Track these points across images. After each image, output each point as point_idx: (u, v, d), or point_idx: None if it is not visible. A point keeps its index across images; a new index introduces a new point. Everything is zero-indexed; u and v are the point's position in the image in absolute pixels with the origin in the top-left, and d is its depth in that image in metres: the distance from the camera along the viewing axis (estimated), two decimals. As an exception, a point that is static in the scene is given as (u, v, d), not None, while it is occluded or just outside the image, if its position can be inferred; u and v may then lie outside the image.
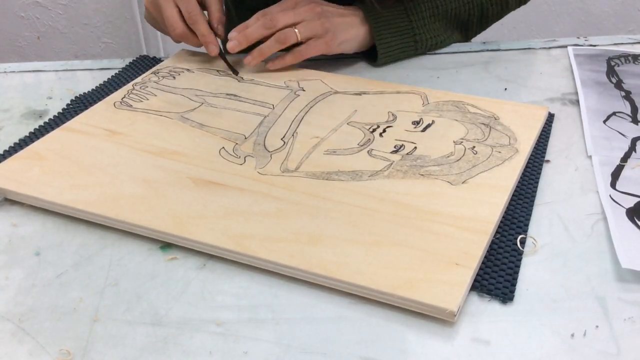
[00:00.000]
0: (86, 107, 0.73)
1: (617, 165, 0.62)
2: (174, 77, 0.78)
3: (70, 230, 0.57)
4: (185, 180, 0.59)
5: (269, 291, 0.50)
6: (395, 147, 0.63)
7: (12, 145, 0.68)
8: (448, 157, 0.61)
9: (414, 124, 0.67)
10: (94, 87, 0.79)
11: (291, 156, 0.62)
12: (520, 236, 0.54)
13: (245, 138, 0.66)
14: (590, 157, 0.64)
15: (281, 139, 0.65)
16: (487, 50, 0.84)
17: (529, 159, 0.63)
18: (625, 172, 0.61)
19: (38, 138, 0.67)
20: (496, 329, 0.46)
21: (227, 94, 0.74)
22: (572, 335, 0.46)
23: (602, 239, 0.54)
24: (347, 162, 0.61)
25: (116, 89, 0.76)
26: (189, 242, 0.53)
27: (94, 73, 0.83)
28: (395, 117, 0.68)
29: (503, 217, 0.55)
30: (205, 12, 0.80)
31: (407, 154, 0.62)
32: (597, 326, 0.46)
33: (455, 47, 0.85)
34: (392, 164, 0.61)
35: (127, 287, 0.51)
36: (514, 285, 0.49)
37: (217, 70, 0.79)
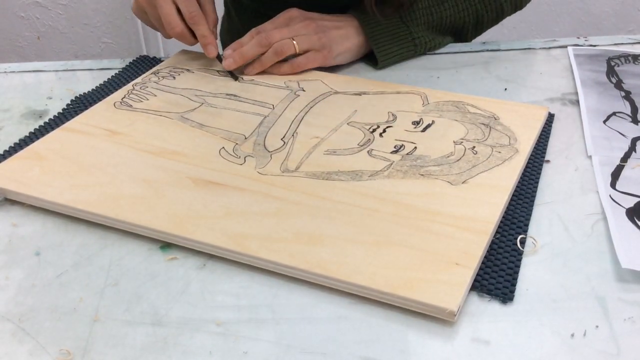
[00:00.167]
0: (86, 107, 0.73)
1: (617, 165, 0.62)
2: (174, 77, 0.78)
3: (70, 230, 0.57)
4: (185, 180, 0.59)
5: (269, 291, 0.50)
6: (395, 147, 0.63)
7: (12, 145, 0.68)
8: (448, 157, 0.61)
9: (414, 124, 0.67)
10: (94, 87, 0.79)
11: (291, 156, 0.63)
12: (520, 236, 0.54)
13: (245, 138, 0.66)
14: (590, 157, 0.64)
15: (281, 139, 0.65)
16: (487, 50, 0.84)
17: (529, 159, 0.63)
18: (625, 172, 0.61)
19: (38, 138, 0.67)
20: (496, 329, 0.46)
21: (227, 94, 0.74)
22: (572, 335, 0.46)
23: (602, 239, 0.54)
24: (347, 162, 0.61)
25: (116, 89, 0.76)
26: (189, 242, 0.53)
27: (94, 73, 0.83)
28: (395, 117, 0.68)
29: (503, 217, 0.55)
30: None
31: (407, 154, 0.62)
32: (597, 326, 0.46)
33: (455, 47, 0.85)
34: (392, 164, 0.61)
35: (127, 287, 0.51)
36: (514, 285, 0.49)
37: (217, 71, 0.79)
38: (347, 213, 0.55)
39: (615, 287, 0.49)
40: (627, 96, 0.73)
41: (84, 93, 0.77)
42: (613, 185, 0.59)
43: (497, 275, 0.50)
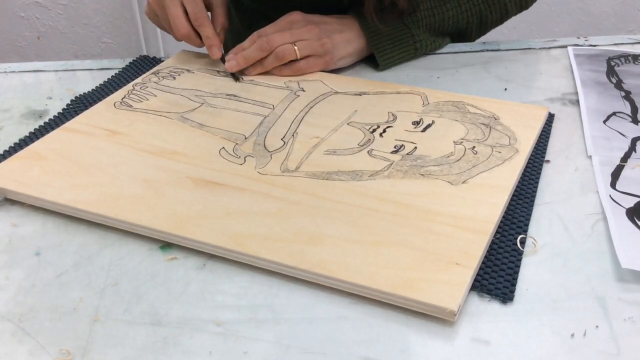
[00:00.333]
0: (86, 107, 0.73)
1: (617, 165, 0.62)
2: (174, 78, 0.78)
3: (70, 230, 0.57)
4: (185, 180, 0.59)
5: (269, 291, 0.50)
6: (395, 147, 0.63)
7: (12, 145, 0.68)
8: (448, 157, 0.62)
9: (414, 124, 0.67)
10: (94, 87, 0.79)
11: (291, 156, 0.63)
12: (520, 236, 0.54)
13: (245, 138, 0.66)
14: (590, 157, 0.64)
15: (281, 139, 0.65)
16: (487, 50, 0.84)
17: (529, 159, 0.63)
18: (625, 172, 0.61)
19: (38, 138, 0.67)
20: (496, 329, 0.46)
21: (227, 94, 0.74)
22: (572, 335, 0.46)
23: (602, 239, 0.54)
24: (347, 162, 0.61)
25: (116, 89, 0.76)
26: (189, 242, 0.53)
27: (94, 73, 0.83)
28: (395, 118, 0.68)
29: (503, 217, 0.55)
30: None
31: (407, 154, 0.62)
32: (597, 326, 0.46)
33: (455, 47, 0.85)
34: (392, 164, 0.61)
35: (127, 287, 0.51)
36: (514, 285, 0.49)
37: (217, 71, 0.79)
38: (347, 213, 0.55)
39: (615, 287, 0.49)
40: (627, 96, 0.73)
41: (84, 93, 0.77)
42: (613, 185, 0.59)
43: (497, 275, 0.50)
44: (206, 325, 0.47)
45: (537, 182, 0.60)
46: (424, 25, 0.80)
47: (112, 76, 0.81)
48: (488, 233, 0.52)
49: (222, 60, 0.79)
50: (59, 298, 0.50)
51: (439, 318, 0.47)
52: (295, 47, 0.76)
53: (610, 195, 0.58)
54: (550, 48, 0.85)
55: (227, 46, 0.81)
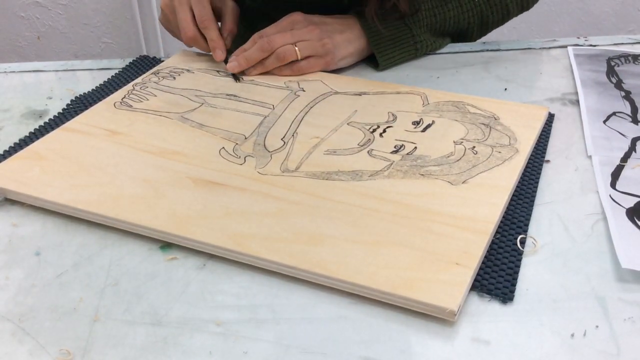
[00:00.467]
0: (86, 107, 0.73)
1: (617, 165, 0.62)
2: (174, 78, 0.78)
3: (70, 230, 0.57)
4: (185, 180, 0.59)
5: (269, 291, 0.50)
6: (395, 147, 0.63)
7: (12, 145, 0.68)
8: (448, 157, 0.62)
9: (414, 124, 0.67)
10: (94, 87, 0.79)
11: (291, 156, 0.63)
12: (520, 236, 0.54)
13: (245, 138, 0.66)
14: (590, 157, 0.64)
15: (281, 139, 0.65)
16: (487, 50, 0.84)
17: (529, 159, 0.63)
18: (625, 172, 0.61)
19: (38, 138, 0.67)
20: (496, 329, 0.46)
21: (227, 95, 0.74)
22: (572, 335, 0.46)
23: (602, 239, 0.54)
24: (347, 162, 0.61)
25: (116, 89, 0.76)
26: (189, 242, 0.53)
27: (94, 73, 0.83)
28: (395, 118, 0.68)
29: (503, 217, 0.55)
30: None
31: (407, 154, 0.62)
32: (597, 326, 0.46)
33: (456, 47, 0.85)
34: (392, 164, 0.61)
35: (127, 287, 0.51)
36: (514, 285, 0.49)
37: (217, 71, 0.79)
38: (347, 213, 0.55)
39: (615, 287, 0.49)
40: (627, 96, 0.73)
41: (84, 93, 0.77)
42: (613, 185, 0.59)
43: (497, 275, 0.50)
44: (206, 325, 0.47)
45: (537, 182, 0.60)
46: (425, 26, 0.80)
47: (112, 76, 0.81)
48: (488, 233, 0.52)
49: (226, 62, 0.79)
50: (59, 298, 0.50)
51: (439, 318, 0.47)
52: (296, 48, 0.76)
53: (610, 195, 0.58)
54: (550, 48, 0.85)
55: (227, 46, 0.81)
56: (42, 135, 0.68)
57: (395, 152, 0.63)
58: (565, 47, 0.84)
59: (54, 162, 0.62)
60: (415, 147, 0.63)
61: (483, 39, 0.89)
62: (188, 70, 0.80)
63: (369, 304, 0.48)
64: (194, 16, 0.79)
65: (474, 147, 0.63)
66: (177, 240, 0.54)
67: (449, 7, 0.81)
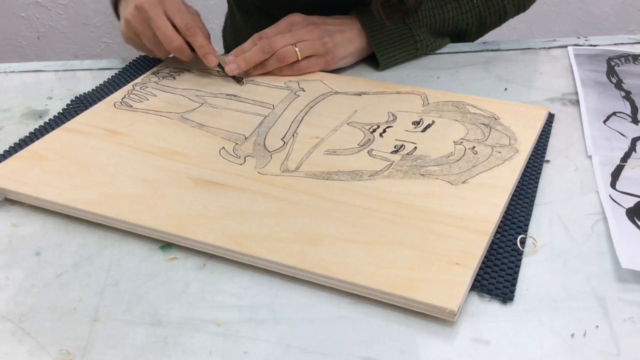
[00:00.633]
0: (86, 107, 0.73)
1: (617, 165, 0.62)
2: (174, 78, 0.78)
3: (70, 230, 0.57)
4: (185, 180, 0.59)
5: (269, 291, 0.50)
6: (395, 147, 0.63)
7: (12, 145, 0.68)
8: (448, 157, 0.62)
9: (414, 124, 0.67)
10: (94, 87, 0.79)
11: (291, 156, 0.63)
12: (520, 236, 0.54)
13: (246, 138, 0.66)
14: (590, 157, 0.64)
15: (281, 139, 0.65)
16: (487, 50, 0.84)
17: (529, 159, 0.63)
18: (625, 172, 0.61)
19: (38, 138, 0.67)
20: (496, 329, 0.46)
21: (227, 94, 0.74)
22: (572, 335, 0.46)
23: (602, 239, 0.54)
24: (347, 162, 0.61)
25: (116, 89, 0.76)
26: (189, 242, 0.53)
27: (94, 73, 0.83)
28: (395, 118, 0.68)
29: (503, 217, 0.55)
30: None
31: (407, 154, 0.62)
32: (597, 326, 0.46)
33: (455, 47, 0.85)
34: (392, 164, 0.61)
35: (127, 287, 0.51)
36: (514, 285, 0.49)
37: (217, 71, 0.79)
38: (347, 213, 0.55)
39: (615, 287, 0.49)
40: (627, 96, 0.73)
41: (84, 93, 0.77)
42: (613, 185, 0.59)
43: (497, 275, 0.50)
44: (206, 325, 0.47)
45: (537, 182, 0.60)
46: (425, 25, 0.80)
47: (112, 76, 0.81)
48: (488, 233, 0.52)
49: (219, 66, 0.78)
50: (59, 298, 0.50)
51: (439, 318, 0.47)
52: (297, 49, 0.76)
53: (610, 195, 0.58)
54: (550, 48, 0.85)
55: (228, 43, 0.81)
56: (42, 135, 0.68)
57: (395, 152, 0.63)
58: (565, 47, 0.84)
59: (54, 162, 0.62)
60: (415, 147, 0.63)
61: (483, 38, 0.89)
62: (188, 70, 0.80)
63: (369, 304, 0.48)
64: (173, 24, 0.75)
65: (474, 147, 0.63)
66: (177, 240, 0.54)
67: (448, 7, 0.81)
